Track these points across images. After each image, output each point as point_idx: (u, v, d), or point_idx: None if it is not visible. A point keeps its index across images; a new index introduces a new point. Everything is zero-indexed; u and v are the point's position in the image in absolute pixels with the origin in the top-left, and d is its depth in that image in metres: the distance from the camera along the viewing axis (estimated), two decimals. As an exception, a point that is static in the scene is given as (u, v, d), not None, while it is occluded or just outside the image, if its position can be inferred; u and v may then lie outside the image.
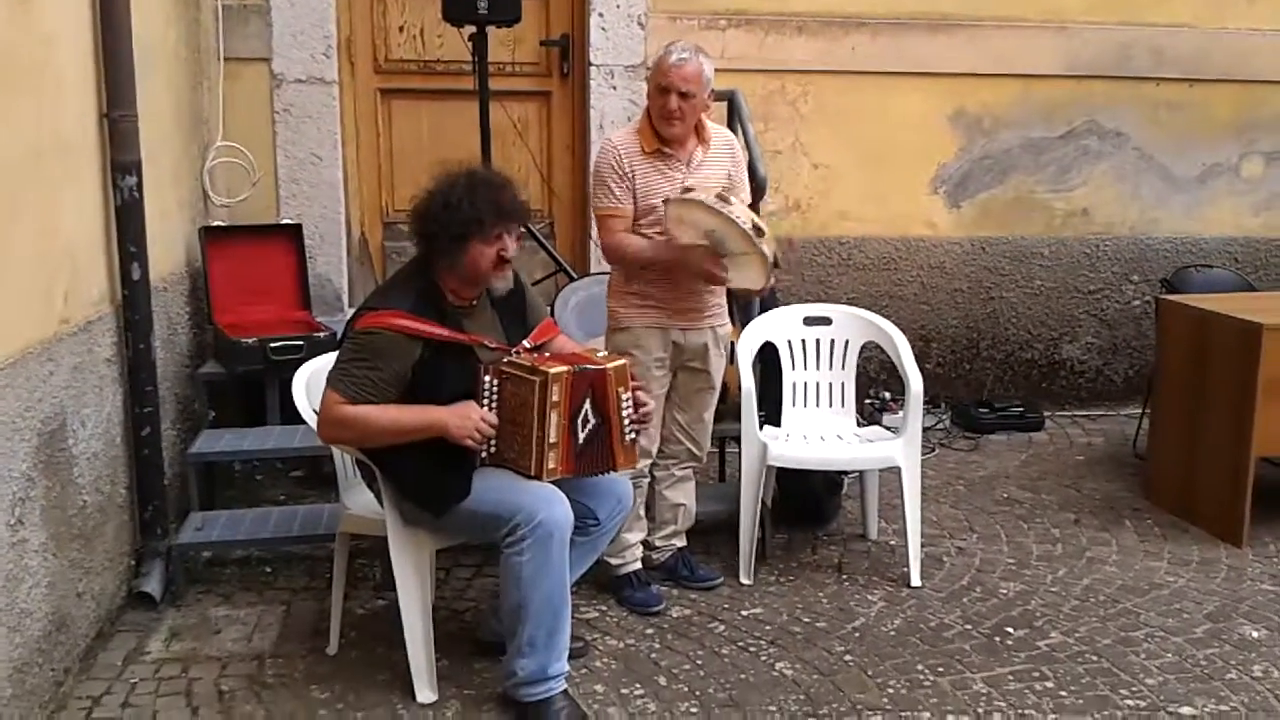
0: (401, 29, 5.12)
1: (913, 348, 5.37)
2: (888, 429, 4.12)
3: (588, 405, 2.84)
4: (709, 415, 3.65)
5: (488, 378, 2.81)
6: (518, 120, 5.23)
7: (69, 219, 3.10)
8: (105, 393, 3.31)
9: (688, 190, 3.30)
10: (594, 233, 5.08)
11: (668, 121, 3.34)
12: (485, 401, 2.81)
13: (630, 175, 3.36)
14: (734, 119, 4.30)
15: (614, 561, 3.53)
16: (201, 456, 3.87)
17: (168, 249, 4.01)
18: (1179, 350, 4.23)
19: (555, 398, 2.76)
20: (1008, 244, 5.50)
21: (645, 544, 3.65)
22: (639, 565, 3.60)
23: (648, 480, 3.61)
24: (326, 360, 3.25)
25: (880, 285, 5.44)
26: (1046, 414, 5.46)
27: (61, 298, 3.03)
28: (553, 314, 4.41)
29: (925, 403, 5.31)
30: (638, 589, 3.54)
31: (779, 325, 3.99)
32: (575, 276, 4.67)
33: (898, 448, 3.71)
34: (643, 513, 3.61)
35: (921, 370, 5.39)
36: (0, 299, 2.65)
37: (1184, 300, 4.23)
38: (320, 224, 4.98)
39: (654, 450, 3.57)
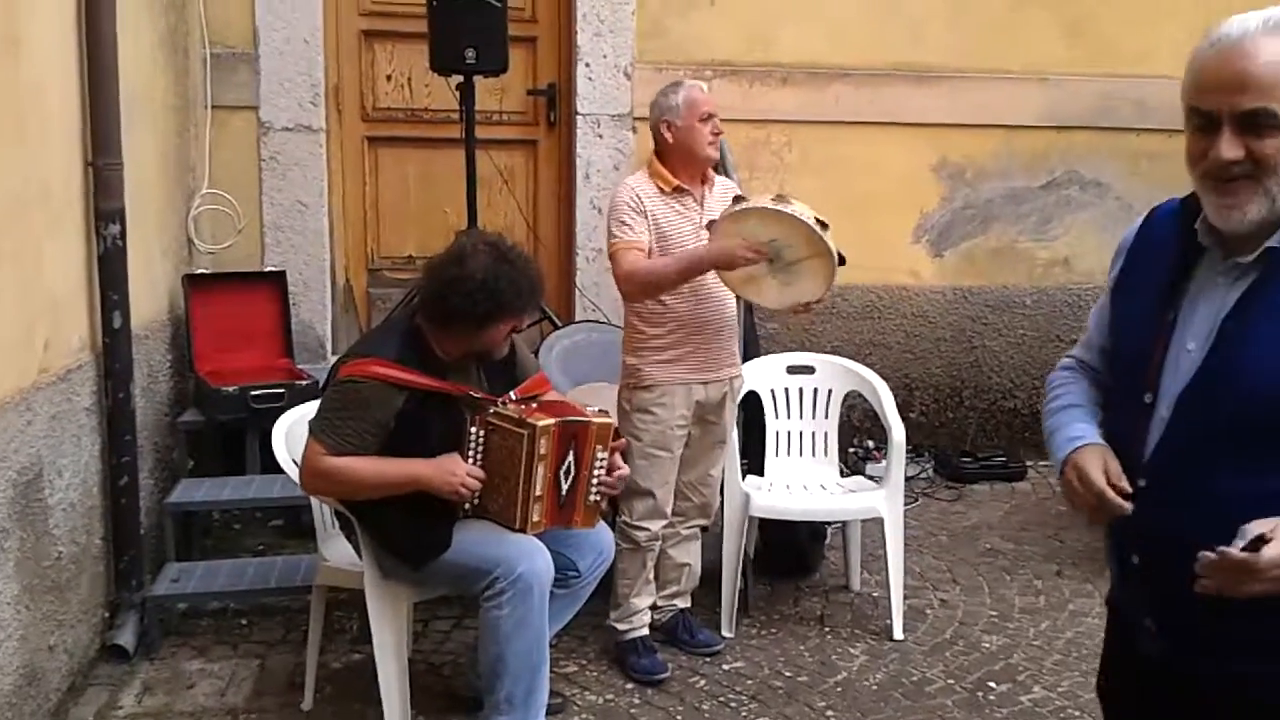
0: (389, 78, 5.15)
1: (896, 396, 5.40)
2: (871, 478, 4.12)
3: (570, 457, 2.83)
4: (718, 471, 3.58)
5: (474, 428, 2.80)
6: (504, 168, 5.26)
7: (51, 267, 3.10)
8: (83, 442, 3.29)
9: (739, 199, 3.24)
10: (579, 280, 5.14)
11: (714, 146, 3.41)
12: (470, 452, 2.80)
13: (650, 214, 3.34)
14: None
15: (620, 627, 3.46)
16: (179, 506, 3.85)
17: (150, 296, 4.00)
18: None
19: (543, 450, 2.75)
20: (990, 293, 5.52)
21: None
22: (646, 631, 3.49)
23: (658, 543, 3.50)
24: (307, 410, 3.24)
25: (864, 333, 5.46)
26: (1029, 463, 5.45)
27: (42, 346, 3.02)
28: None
29: (908, 452, 5.33)
30: (643, 655, 3.43)
31: (762, 374, 4.00)
32: (559, 325, 4.66)
33: (880, 498, 3.71)
34: (652, 577, 3.52)
35: (905, 419, 5.42)
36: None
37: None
38: (305, 271, 4.98)
39: (668, 511, 3.46)
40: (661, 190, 3.36)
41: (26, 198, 2.93)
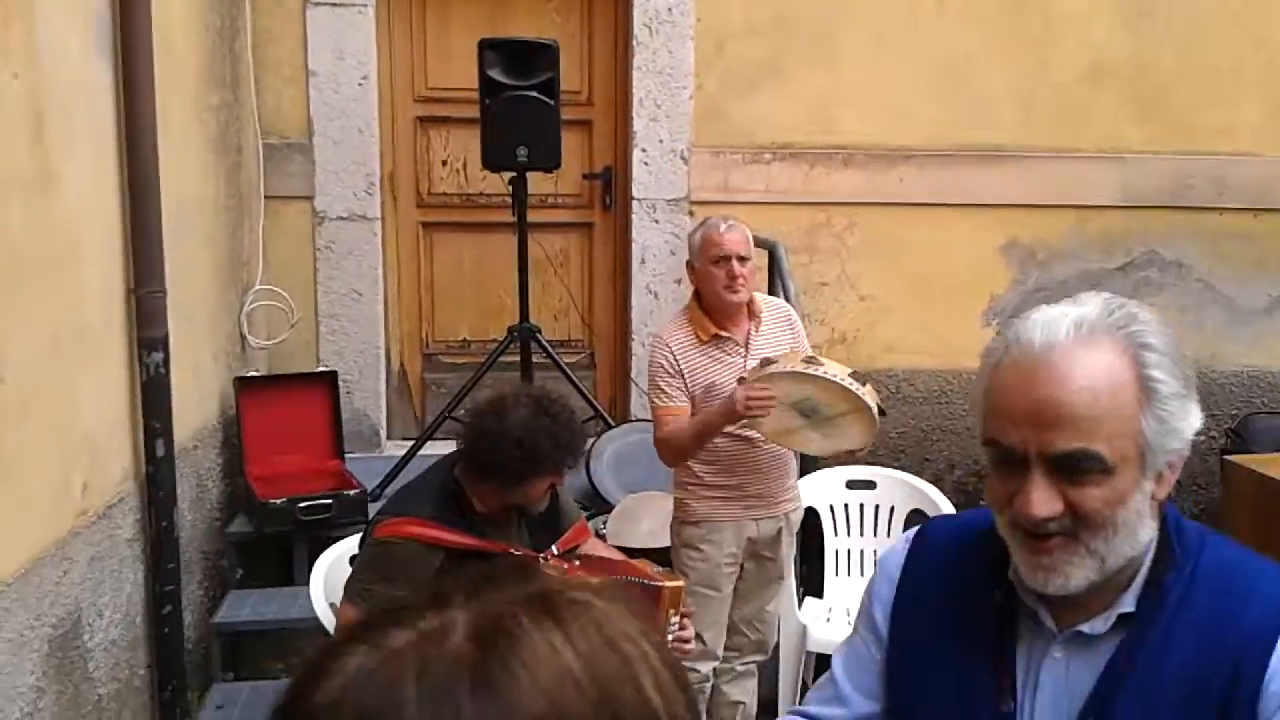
0: (445, 163, 5.10)
1: (966, 483, 5.30)
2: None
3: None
4: (774, 607, 3.44)
5: (509, 588, 2.69)
6: (559, 252, 5.18)
7: (89, 404, 3.05)
8: (125, 575, 3.25)
9: (766, 362, 3.09)
10: (637, 381, 5.02)
11: (732, 290, 3.19)
12: (507, 614, 2.69)
13: (684, 373, 3.21)
14: (774, 272, 4.19)
15: None
16: (226, 625, 3.80)
17: (199, 406, 3.97)
18: (1246, 516, 4.01)
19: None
20: (1064, 377, 5.30)
21: None
22: None
23: (709, 684, 3.37)
24: (348, 546, 3.18)
25: (931, 419, 5.27)
26: (1106, 554, 5.22)
27: (79, 490, 2.97)
28: (588, 467, 4.34)
29: (978, 544, 5.18)
30: None
31: (821, 489, 3.86)
32: (612, 424, 4.56)
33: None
34: (705, 718, 3.40)
35: (975, 507, 5.30)
36: (8, 509, 2.58)
37: (1251, 463, 4.02)
38: (359, 359, 4.94)
39: (719, 652, 3.34)
40: (699, 339, 3.22)
41: (61, 339, 2.88)
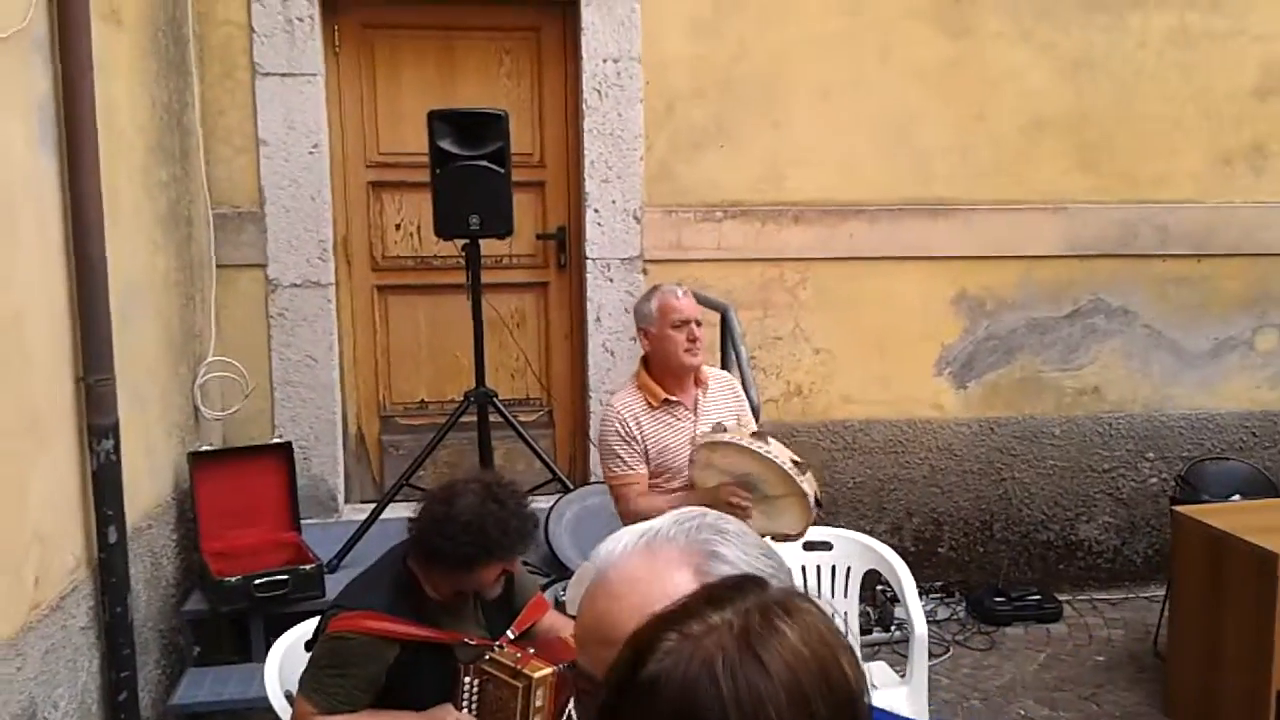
0: (398, 226, 5.11)
1: (924, 531, 5.36)
2: (899, 626, 3.96)
3: (572, 704, 2.72)
4: None
5: (467, 678, 2.70)
6: (515, 311, 5.21)
7: (39, 496, 3.03)
8: (80, 665, 3.22)
9: (718, 428, 3.17)
10: (594, 442, 5.02)
11: (691, 353, 3.30)
12: (464, 703, 2.70)
13: (639, 438, 3.25)
14: (726, 337, 4.23)
15: None
16: (184, 708, 3.76)
17: (153, 483, 3.95)
18: (1194, 567, 4.07)
19: (539, 702, 2.64)
20: (1018, 424, 5.38)
21: None
22: None
23: None
24: (303, 630, 3.16)
25: (888, 468, 5.32)
26: (1065, 598, 5.28)
27: (32, 583, 2.95)
28: (547, 531, 4.35)
29: (937, 592, 5.24)
30: None
31: (777, 551, 3.86)
32: (571, 487, 4.57)
33: (903, 697, 3.56)
34: None
35: (934, 554, 5.37)
36: (-43, 615, 2.57)
37: (1199, 515, 4.08)
38: (315, 425, 4.93)
39: None
40: (650, 405, 3.26)
41: (10, 433, 2.87)
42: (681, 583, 1.08)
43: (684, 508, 1.20)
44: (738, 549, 1.15)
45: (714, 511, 1.18)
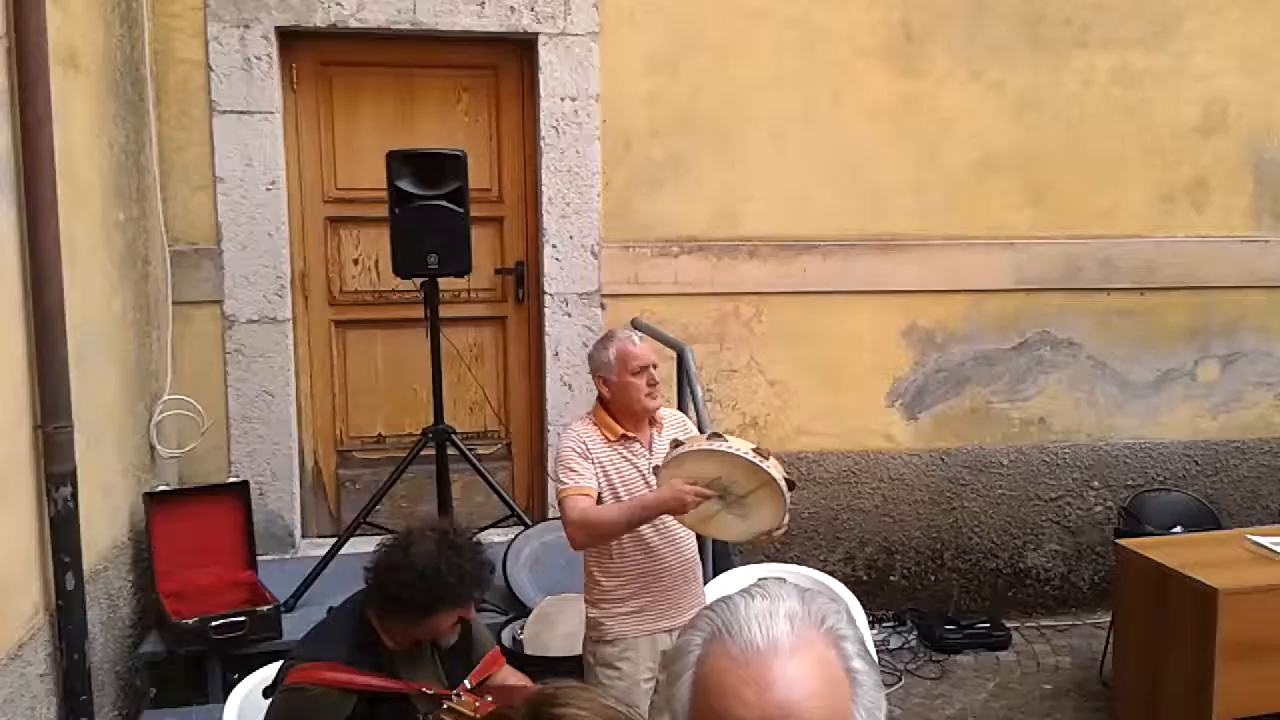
0: (356, 261, 5.13)
1: (876, 560, 5.45)
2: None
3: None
4: None
5: (425, 727, 2.74)
6: (473, 345, 5.25)
7: (-3, 547, 3.04)
8: (38, 713, 3.22)
9: (676, 444, 3.16)
10: (552, 475, 5.04)
11: (652, 397, 3.33)
12: (422, 751, 2.73)
13: (596, 460, 3.28)
14: (682, 376, 4.29)
15: None
16: (139, 752, 3.76)
17: (109, 525, 3.95)
18: (1137, 600, 4.18)
19: (493, 750, 2.67)
20: (967, 454, 5.49)
21: None
22: None
23: None
24: (263, 676, 3.17)
25: (841, 499, 5.41)
26: (1014, 625, 5.38)
27: (-13, 634, 2.96)
28: (505, 568, 4.38)
29: (890, 621, 5.32)
30: None
31: (732, 588, 3.92)
32: (529, 524, 4.61)
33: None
34: None
35: (887, 583, 5.46)
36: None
37: (1141, 549, 4.19)
38: (272, 460, 4.93)
39: None
40: (608, 439, 3.31)
41: (-31, 488, 2.88)
42: (836, 669, 1.16)
43: (778, 582, 1.22)
44: (850, 626, 1.20)
45: (809, 587, 1.22)
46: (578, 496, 3.23)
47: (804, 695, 1.13)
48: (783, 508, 3.11)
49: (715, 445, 3.05)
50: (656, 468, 3.22)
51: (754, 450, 3.05)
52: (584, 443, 3.30)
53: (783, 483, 3.06)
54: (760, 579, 1.24)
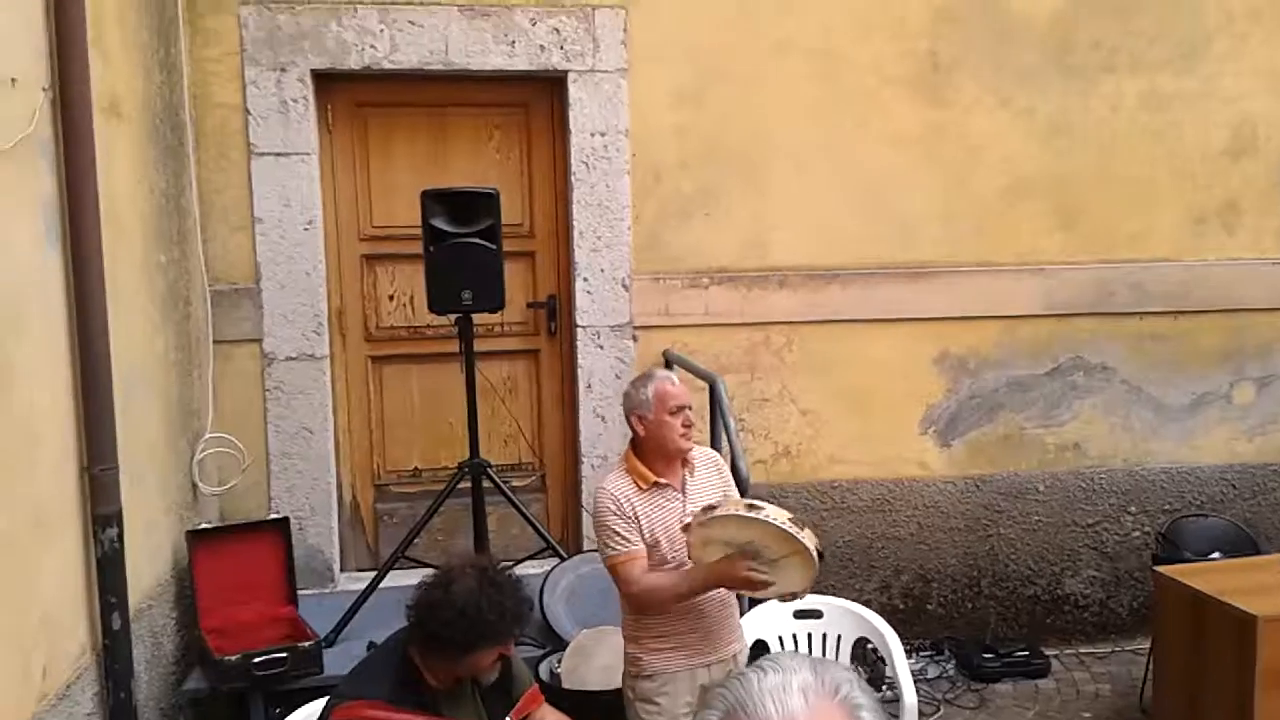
0: (392, 297, 5.20)
1: (912, 588, 5.44)
2: (890, 685, 4.02)
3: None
4: None
5: (467, 763, 2.77)
6: (507, 379, 5.30)
7: (46, 588, 3.10)
8: (85, 752, 3.28)
9: (709, 509, 3.18)
10: (587, 508, 5.08)
11: (686, 437, 3.36)
12: (463, 787, 2.76)
13: (634, 516, 3.28)
14: (715, 408, 4.31)
15: None
16: (184, 790, 3.81)
17: (153, 563, 4.02)
18: (1176, 627, 4.16)
19: (536, 790, 2.71)
20: (1002, 480, 5.47)
21: None
22: None
23: None
24: (304, 716, 3.22)
25: (876, 527, 5.41)
26: (1053, 653, 5.35)
27: (40, 674, 3.02)
28: (541, 600, 4.41)
29: (927, 650, 5.31)
30: None
31: (768, 621, 3.95)
32: (565, 556, 4.64)
33: (893, 766, 3.63)
34: None
35: (923, 612, 5.45)
36: (-31, 714, 2.63)
37: (1179, 575, 4.16)
38: (311, 495, 5.00)
39: None
40: (640, 488, 3.33)
41: (18, 531, 2.95)
42: None
43: (791, 655, 1.23)
44: (866, 694, 1.19)
45: (823, 658, 1.24)
46: (629, 564, 3.26)
47: None
48: (812, 574, 3.17)
49: (753, 514, 3.09)
50: (686, 525, 3.23)
51: (790, 520, 3.10)
52: (617, 500, 3.30)
53: (815, 553, 3.11)
54: (773, 654, 1.25)
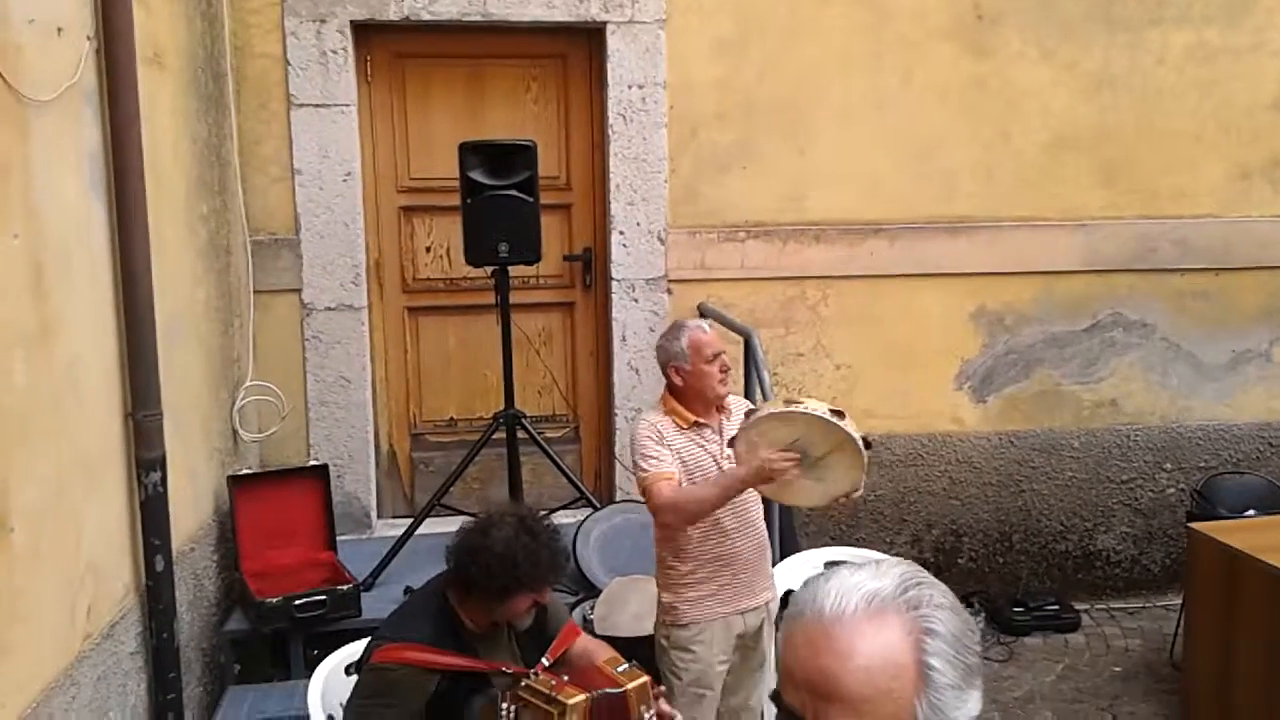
0: (429, 249, 5.24)
1: (944, 543, 5.45)
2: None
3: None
4: (759, 697, 3.52)
5: (505, 705, 2.82)
6: (542, 331, 5.33)
7: (91, 531, 3.17)
8: (129, 689, 3.36)
9: (750, 413, 3.19)
10: (620, 458, 5.13)
11: (724, 383, 3.39)
12: (502, 729, 2.82)
13: (672, 447, 3.32)
14: (749, 361, 4.33)
15: None
16: (226, 727, 3.91)
17: (196, 508, 4.09)
18: (1209, 584, 4.16)
19: (575, 727, 2.76)
20: (1036, 436, 5.46)
21: None
22: None
23: None
24: (346, 653, 3.30)
25: (909, 481, 5.42)
26: (1083, 608, 5.37)
27: (85, 614, 3.09)
28: (574, 549, 4.47)
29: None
30: None
31: (798, 571, 3.98)
32: (598, 506, 4.69)
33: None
34: None
35: (954, 565, 5.47)
36: (23, 649, 2.70)
37: (1214, 532, 4.16)
38: (349, 444, 5.07)
39: None
40: (680, 426, 3.36)
41: (66, 477, 3.00)
42: (903, 655, 1.17)
43: (896, 564, 1.25)
44: (951, 626, 1.20)
45: (929, 578, 1.25)
46: (662, 482, 3.28)
47: (850, 668, 1.16)
48: (860, 467, 3.10)
49: (791, 408, 3.07)
50: (732, 439, 3.23)
51: (830, 410, 3.06)
52: (658, 430, 3.35)
53: (859, 440, 3.05)
54: (879, 559, 1.27)
